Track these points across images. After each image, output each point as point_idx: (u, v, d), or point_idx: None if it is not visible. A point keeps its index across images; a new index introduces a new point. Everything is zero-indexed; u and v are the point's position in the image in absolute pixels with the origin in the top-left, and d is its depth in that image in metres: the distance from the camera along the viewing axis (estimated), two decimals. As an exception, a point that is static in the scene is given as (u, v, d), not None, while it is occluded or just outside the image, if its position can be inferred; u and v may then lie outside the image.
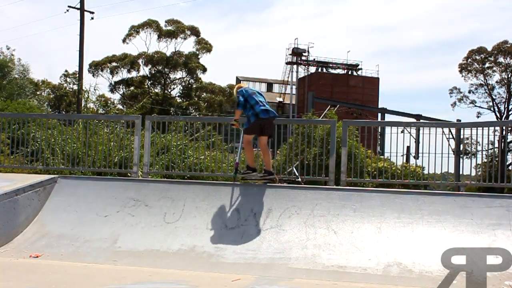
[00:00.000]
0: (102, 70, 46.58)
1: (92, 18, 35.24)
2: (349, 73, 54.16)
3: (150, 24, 45.78)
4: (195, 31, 46.50)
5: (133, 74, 46.82)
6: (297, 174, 9.83)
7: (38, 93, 43.64)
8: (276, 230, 6.98)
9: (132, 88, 46.72)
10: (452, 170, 9.75)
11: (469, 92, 48.48)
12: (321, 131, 10.65)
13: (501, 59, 46.56)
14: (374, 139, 15.71)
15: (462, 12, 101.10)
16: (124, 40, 46.14)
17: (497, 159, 10.58)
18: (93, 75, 46.46)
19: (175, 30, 45.93)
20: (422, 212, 7.00)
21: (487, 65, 47.08)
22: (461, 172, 10.03)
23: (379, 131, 15.28)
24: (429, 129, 8.89)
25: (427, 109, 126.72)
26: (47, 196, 8.05)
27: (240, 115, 8.13)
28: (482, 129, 8.87)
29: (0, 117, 10.73)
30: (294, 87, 52.53)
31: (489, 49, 46.66)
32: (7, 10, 79.12)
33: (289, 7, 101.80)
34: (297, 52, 52.65)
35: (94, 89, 18.63)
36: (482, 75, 47.44)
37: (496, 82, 47.50)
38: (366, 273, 6.02)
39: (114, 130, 10.92)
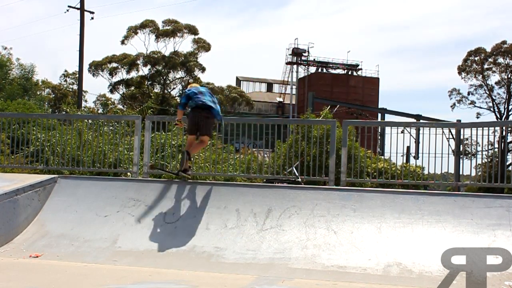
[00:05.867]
0: (102, 70, 46.50)
1: (92, 18, 35.22)
2: (349, 73, 54.17)
3: (148, 24, 45.74)
4: (192, 30, 46.43)
5: (133, 74, 46.80)
6: (297, 174, 9.82)
7: (38, 93, 43.56)
8: (276, 230, 6.98)
9: (132, 88, 46.68)
10: (452, 170, 9.72)
11: (468, 94, 48.45)
12: (320, 130, 10.63)
13: (500, 60, 46.48)
14: (374, 139, 15.69)
15: (463, 12, 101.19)
16: (122, 42, 46.16)
17: (497, 159, 10.57)
18: (93, 75, 46.45)
19: (173, 29, 45.86)
20: (422, 212, 6.99)
21: (486, 66, 46.99)
22: (461, 172, 10.00)
23: (379, 131, 15.26)
24: (429, 129, 8.88)
25: (427, 109, 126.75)
26: (47, 196, 8.04)
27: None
28: (482, 130, 8.87)
29: (0, 117, 10.72)
30: (294, 87, 52.55)
31: (488, 50, 46.62)
32: (7, 11, 79.14)
33: (290, 7, 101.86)
34: (297, 52, 52.68)
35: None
36: (481, 76, 47.36)
37: (496, 83, 47.45)
38: (366, 273, 6.02)
39: (109, 133, 10.84)
